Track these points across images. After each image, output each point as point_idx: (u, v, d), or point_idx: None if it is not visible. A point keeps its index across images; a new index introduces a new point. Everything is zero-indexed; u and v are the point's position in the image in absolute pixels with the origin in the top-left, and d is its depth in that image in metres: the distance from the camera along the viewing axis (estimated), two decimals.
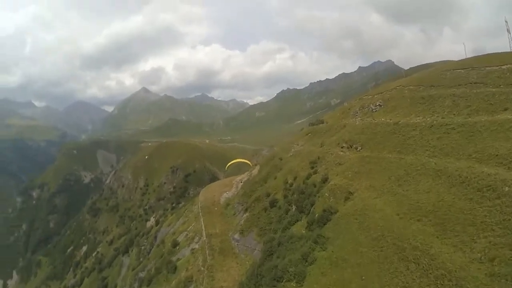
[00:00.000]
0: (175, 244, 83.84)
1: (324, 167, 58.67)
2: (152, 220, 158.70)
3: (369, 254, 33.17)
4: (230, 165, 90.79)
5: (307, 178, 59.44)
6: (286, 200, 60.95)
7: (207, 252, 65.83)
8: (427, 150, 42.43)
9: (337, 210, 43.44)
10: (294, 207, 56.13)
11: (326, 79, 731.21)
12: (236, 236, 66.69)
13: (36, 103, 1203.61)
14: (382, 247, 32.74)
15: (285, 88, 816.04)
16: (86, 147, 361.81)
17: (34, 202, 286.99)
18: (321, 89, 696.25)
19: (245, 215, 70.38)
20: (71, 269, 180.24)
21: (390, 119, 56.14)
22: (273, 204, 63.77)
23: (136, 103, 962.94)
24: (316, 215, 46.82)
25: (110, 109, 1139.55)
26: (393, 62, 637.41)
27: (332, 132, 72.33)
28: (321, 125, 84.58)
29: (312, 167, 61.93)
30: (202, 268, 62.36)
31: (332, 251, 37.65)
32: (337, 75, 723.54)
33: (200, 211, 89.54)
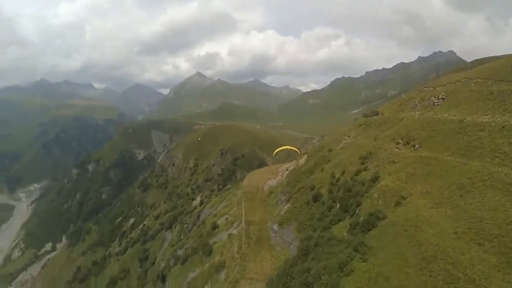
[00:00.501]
0: (214, 227, 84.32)
1: (376, 164, 53.35)
2: (198, 199, 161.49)
3: (416, 277, 28.08)
4: (278, 151, 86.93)
5: (356, 174, 54.50)
6: (330, 196, 56.51)
7: (243, 239, 63.70)
8: (496, 156, 36.36)
9: (385, 216, 38.34)
10: (338, 205, 51.69)
11: (383, 68, 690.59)
12: (275, 227, 63.47)
13: (96, 85, 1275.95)
14: (432, 271, 27.66)
15: (340, 76, 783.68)
16: (142, 127, 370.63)
17: (89, 175, 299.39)
18: (377, 78, 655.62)
19: (286, 206, 66.70)
20: (117, 238, 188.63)
21: (454, 116, 49.55)
22: (316, 198, 59.52)
23: (191, 86, 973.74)
24: (361, 218, 42.10)
25: (166, 92, 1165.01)
26: (455, 53, 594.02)
27: (387, 125, 66.12)
28: (376, 116, 78.04)
29: (363, 163, 56.72)
30: (236, 255, 61.55)
31: (373, 265, 32.69)
32: (395, 64, 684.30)
33: (242, 196, 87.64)
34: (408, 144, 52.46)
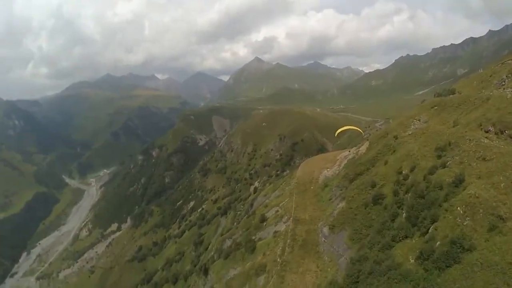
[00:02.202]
0: (263, 219, 76.56)
1: (458, 160, 39.82)
2: (256, 184, 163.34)
3: None
4: (340, 132, 75.90)
5: (430, 172, 41.12)
6: (395, 199, 43.64)
7: (288, 241, 54.34)
8: None
9: (475, 246, 26.08)
10: (404, 213, 39.33)
11: (451, 44, 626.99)
12: (325, 230, 52.22)
13: (159, 76, 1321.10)
14: None
15: (404, 55, 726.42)
16: (203, 113, 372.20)
17: (153, 160, 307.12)
18: (445, 56, 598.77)
19: (340, 205, 54.75)
20: (177, 221, 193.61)
21: None
22: (377, 200, 46.81)
23: (249, 72, 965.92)
24: (437, 243, 29.98)
25: (226, 78, 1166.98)
26: None
27: (468, 106, 51.60)
28: (452, 96, 63.29)
29: (439, 156, 43.10)
30: (278, 259, 53.54)
31: None
32: (463, 39, 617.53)
33: (294, 188, 77.91)
34: (502, 133, 38.67)
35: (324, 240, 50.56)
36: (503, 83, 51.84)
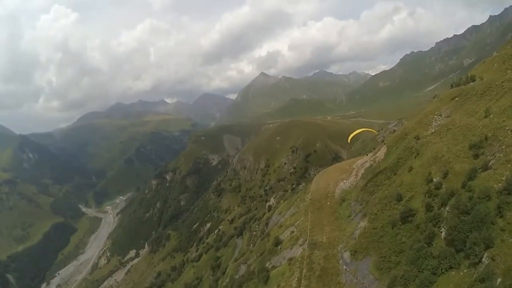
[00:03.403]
0: (277, 243, 70.01)
1: (503, 158, 31.30)
2: (272, 200, 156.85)
3: None
4: (353, 136, 68.31)
5: (470, 177, 32.27)
6: (429, 216, 34.32)
7: (304, 271, 45.81)
8: None
9: None
10: (444, 234, 30.50)
11: (454, 35, 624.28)
12: (346, 255, 43.06)
13: (168, 100, 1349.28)
14: None
15: (408, 53, 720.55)
16: (213, 133, 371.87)
17: (167, 184, 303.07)
18: (449, 48, 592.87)
19: (362, 224, 45.82)
20: (194, 244, 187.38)
21: None
22: (406, 217, 37.22)
23: (256, 88, 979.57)
24: (498, 280, 21.55)
25: (234, 97, 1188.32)
26: None
27: (498, 92, 43.36)
28: (472, 84, 54.96)
29: (477, 156, 34.63)
30: None
31: None
32: (465, 29, 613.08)
33: (308, 206, 70.09)
34: None
35: (345, 269, 41.65)
36: None
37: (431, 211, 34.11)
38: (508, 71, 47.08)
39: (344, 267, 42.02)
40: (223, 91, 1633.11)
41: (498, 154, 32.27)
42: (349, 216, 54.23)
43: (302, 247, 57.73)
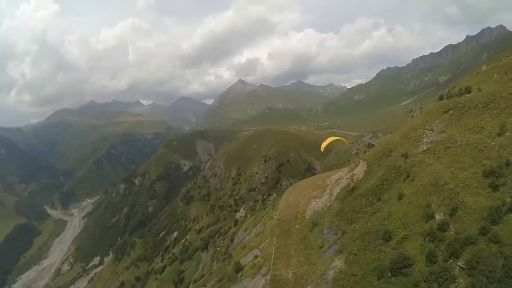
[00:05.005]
0: (238, 269, 60.89)
1: None
2: (242, 211, 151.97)
3: None
4: (325, 146, 59.11)
5: (493, 220, 23.18)
6: (432, 269, 24.54)
7: None
8: None
9: None
10: None
11: (431, 53, 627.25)
12: None
13: (144, 102, 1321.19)
14: None
15: (385, 68, 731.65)
16: (186, 138, 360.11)
17: (136, 188, 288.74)
18: (425, 65, 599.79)
19: (337, 263, 35.91)
20: (160, 253, 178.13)
21: None
22: (398, 268, 27.09)
23: (234, 94, 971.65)
24: None
25: (210, 102, 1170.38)
26: (505, 27, 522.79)
27: (508, 105, 35.38)
28: (468, 95, 46.69)
29: (496, 186, 25.65)
30: None
31: None
32: (442, 48, 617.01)
33: (275, 227, 60.68)
34: None
35: None
36: None
37: (435, 263, 24.10)
38: None
39: None
40: (200, 96, 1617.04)
41: None
42: (321, 247, 44.61)
43: (265, 278, 48.04)
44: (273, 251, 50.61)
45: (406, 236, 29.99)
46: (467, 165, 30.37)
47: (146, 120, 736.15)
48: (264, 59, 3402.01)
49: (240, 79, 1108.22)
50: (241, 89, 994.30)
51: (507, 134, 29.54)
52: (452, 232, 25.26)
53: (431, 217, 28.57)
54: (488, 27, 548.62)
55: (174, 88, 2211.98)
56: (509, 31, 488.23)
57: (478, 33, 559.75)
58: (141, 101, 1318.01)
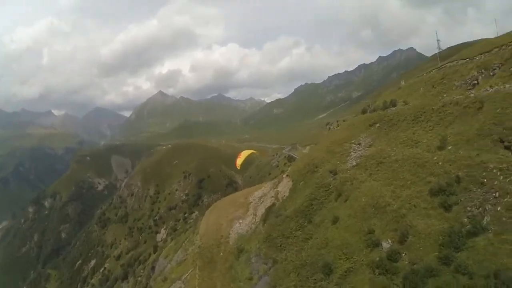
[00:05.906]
0: None
1: (507, 214, 18.95)
2: (163, 232, 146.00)
3: None
4: (241, 164, 53.50)
5: (455, 246, 19.55)
6: None
7: None
8: None
9: None
10: None
11: (345, 71, 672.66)
12: None
13: (55, 112, 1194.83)
14: None
15: (303, 84, 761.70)
16: (100, 153, 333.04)
17: (46, 212, 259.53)
18: (340, 82, 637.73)
19: None
20: (78, 285, 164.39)
21: None
22: None
23: (153, 106, 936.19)
24: None
25: (128, 114, 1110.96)
26: (415, 49, 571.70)
27: (442, 117, 33.50)
28: (394, 108, 45.12)
29: (448, 206, 22.22)
30: None
31: None
32: (356, 66, 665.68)
33: (197, 256, 53.77)
34: None
35: None
36: (474, 81, 35.13)
37: None
38: (444, 95, 37.56)
39: None
40: (116, 107, 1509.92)
41: (488, 205, 19.53)
42: (250, 279, 38.93)
43: None
44: (196, 282, 43.43)
45: (351, 268, 25.45)
46: (409, 182, 27.01)
47: (57, 132, 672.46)
48: (186, 71, 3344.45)
49: (160, 90, 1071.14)
50: (160, 101, 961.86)
51: (449, 147, 26.87)
52: (406, 262, 21.32)
53: (377, 244, 24.49)
54: (400, 49, 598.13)
55: (89, 98, 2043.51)
56: (418, 52, 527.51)
57: (390, 54, 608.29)
58: (53, 111, 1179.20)
